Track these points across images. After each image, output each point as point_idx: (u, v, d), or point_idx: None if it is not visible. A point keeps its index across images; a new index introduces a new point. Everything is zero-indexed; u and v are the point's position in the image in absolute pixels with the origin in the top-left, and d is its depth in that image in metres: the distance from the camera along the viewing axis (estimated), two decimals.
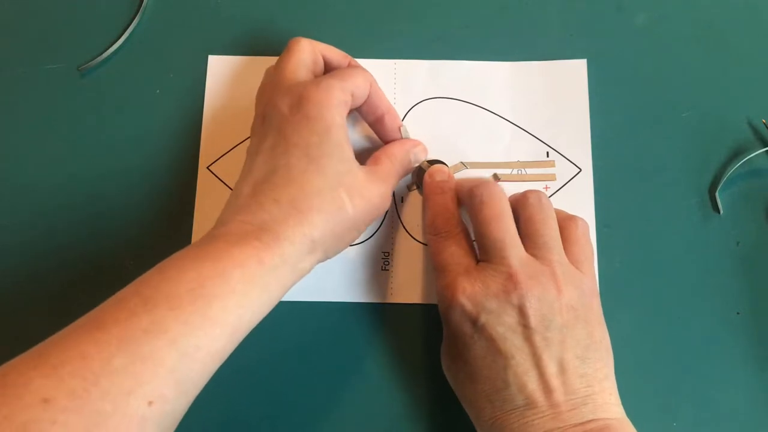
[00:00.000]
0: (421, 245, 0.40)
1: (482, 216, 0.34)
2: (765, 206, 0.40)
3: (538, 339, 0.31)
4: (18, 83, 0.43)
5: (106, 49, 0.43)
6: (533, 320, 0.31)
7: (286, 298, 0.38)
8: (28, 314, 0.38)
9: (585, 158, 0.41)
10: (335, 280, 0.39)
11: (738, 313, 0.38)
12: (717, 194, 0.40)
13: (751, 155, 0.40)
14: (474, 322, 0.32)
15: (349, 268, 0.40)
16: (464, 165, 0.41)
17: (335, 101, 0.33)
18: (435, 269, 0.35)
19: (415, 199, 0.41)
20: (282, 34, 0.43)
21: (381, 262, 0.40)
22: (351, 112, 0.40)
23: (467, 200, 0.35)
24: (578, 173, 0.41)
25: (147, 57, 0.43)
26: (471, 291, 0.32)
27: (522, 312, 0.31)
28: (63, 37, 0.44)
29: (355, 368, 0.38)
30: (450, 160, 0.41)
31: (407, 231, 0.40)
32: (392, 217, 0.40)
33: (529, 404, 0.31)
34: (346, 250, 0.40)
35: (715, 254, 0.39)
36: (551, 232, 0.34)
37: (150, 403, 0.26)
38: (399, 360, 0.38)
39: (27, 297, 0.39)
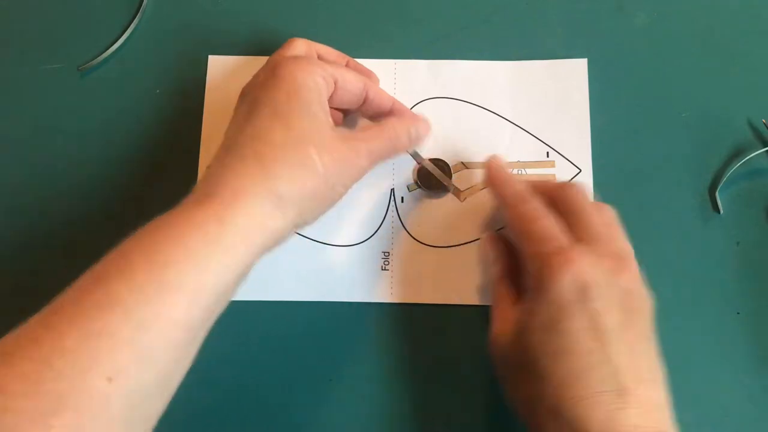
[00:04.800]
0: (421, 245, 0.40)
1: (584, 202, 0.34)
2: (765, 206, 0.40)
3: (636, 329, 0.31)
4: (18, 83, 0.43)
5: (106, 49, 0.43)
6: (636, 309, 0.31)
7: (285, 298, 0.39)
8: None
9: (585, 158, 0.41)
10: (335, 280, 0.39)
11: (738, 313, 0.38)
12: (717, 194, 0.40)
13: (751, 155, 0.40)
14: (583, 292, 0.30)
15: (349, 268, 0.40)
16: (464, 165, 0.41)
17: (309, 69, 0.33)
18: (526, 237, 0.33)
19: (415, 199, 0.41)
20: (282, 34, 0.43)
21: (381, 262, 0.40)
22: (350, 112, 0.40)
23: (558, 191, 0.34)
24: (578, 173, 0.41)
25: (147, 57, 0.43)
26: (585, 262, 0.31)
27: (629, 295, 0.31)
28: (63, 37, 0.44)
29: (355, 368, 0.38)
30: (450, 160, 0.41)
31: (407, 231, 0.40)
32: (392, 217, 0.40)
33: (621, 391, 0.29)
34: (346, 250, 0.40)
35: (715, 254, 0.39)
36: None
37: (109, 379, 0.24)
38: (399, 360, 0.38)
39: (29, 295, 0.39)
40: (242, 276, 0.30)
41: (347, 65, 0.38)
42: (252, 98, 0.33)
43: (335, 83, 0.34)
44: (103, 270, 0.27)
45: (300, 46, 0.37)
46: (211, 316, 0.28)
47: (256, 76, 0.34)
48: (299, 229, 0.32)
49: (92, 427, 0.24)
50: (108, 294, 0.25)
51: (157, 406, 0.27)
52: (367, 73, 0.40)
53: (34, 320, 0.26)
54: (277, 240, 0.31)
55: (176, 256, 0.27)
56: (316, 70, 0.33)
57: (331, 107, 0.35)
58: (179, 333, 0.27)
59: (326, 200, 0.33)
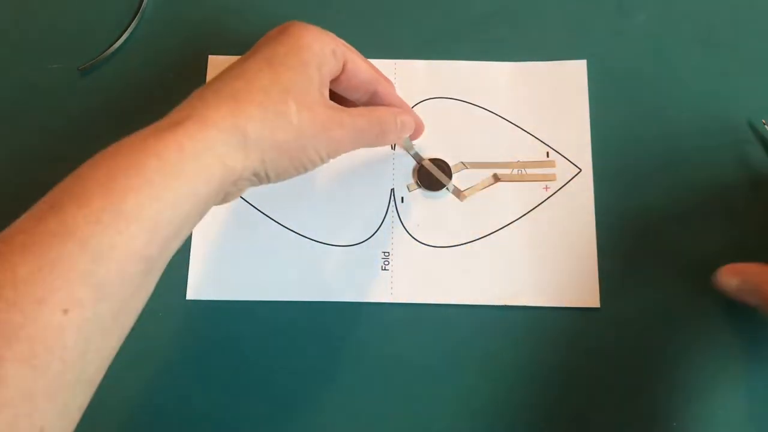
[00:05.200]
0: (421, 245, 0.40)
1: None
2: (765, 206, 0.40)
3: None
4: (18, 83, 0.43)
5: (106, 49, 0.43)
6: None
7: (285, 298, 0.39)
8: None
9: (585, 158, 0.41)
10: (335, 280, 0.39)
11: (738, 313, 0.38)
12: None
13: (751, 155, 0.40)
14: None
15: (349, 268, 0.39)
16: (464, 165, 0.41)
17: (321, 38, 0.32)
18: None
19: (415, 199, 0.41)
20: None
21: (381, 262, 0.40)
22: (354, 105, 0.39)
23: None
24: (578, 173, 0.41)
25: (147, 57, 0.43)
26: None
27: None
28: (63, 37, 0.44)
29: (355, 368, 0.38)
30: (450, 160, 0.41)
31: (407, 231, 0.40)
32: (392, 217, 0.40)
33: None
34: (346, 250, 0.40)
35: (715, 255, 0.39)
36: None
37: (65, 310, 0.23)
38: (399, 360, 0.38)
39: None
40: (200, 213, 0.28)
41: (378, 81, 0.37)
42: (254, 49, 0.32)
43: (344, 65, 0.34)
44: (57, 197, 0.26)
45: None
46: (167, 249, 0.27)
47: (268, 32, 0.33)
48: (260, 182, 0.31)
49: (46, 359, 0.23)
50: (63, 223, 0.24)
51: (111, 341, 0.26)
52: (387, 80, 0.39)
53: None
54: (235, 182, 0.29)
55: (133, 184, 0.26)
56: (328, 41, 0.32)
57: (337, 92, 0.34)
58: (136, 265, 0.26)
59: (294, 160, 0.31)
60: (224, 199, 0.31)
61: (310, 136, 0.30)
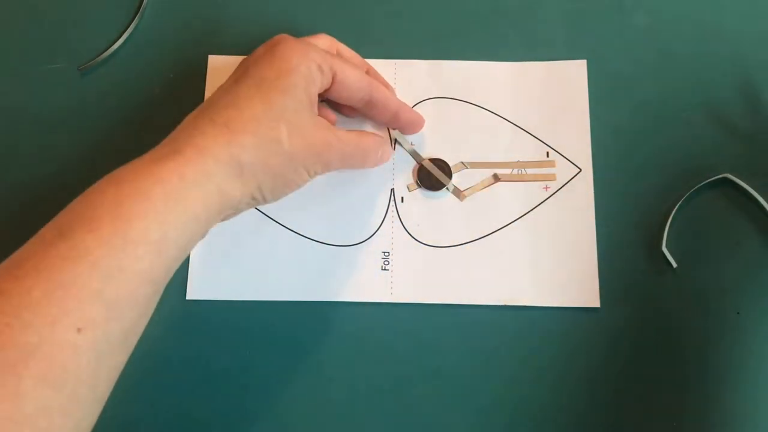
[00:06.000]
0: (421, 245, 0.40)
1: None
2: (765, 205, 0.40)
3: None
4: (18, 83, 0.43)
5: (106, 49, 0.43)
6: None
7: (285, 298, 0.39)
8: None
9: (585, 158, 0.41)
10: (335, 280, 0.39)
11: (738, 313, 0.38)
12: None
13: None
14: None
15: (349, 268, 0.39)
16: (464, 165, 0.41)
17: (309, 56, 0.33)
18: None
19: (415, 199, 0.41)
20: (282, 33, 0.43)
21: (381, 262, 0.40)
22: (355, 112, 0.39)
23: None
24: (578, 173, 0.41)
25: (147, 57, 0.43)
26: None
27: None
28: (63, 37, 0.44)
29: (355, 368, 0.38)
30: (450, 160, 0.41)
31: (407, 231, 0.40)
32: (392, 217, 0.40)
33: None
34: (346, 250, 0.40)
35: (716, 252, 0.39)
36: None
37: (79, 329, 0.25)
38: (399, 360, 0.38)
39: None
40: (201, 234, 0.30)
41: (367, 72, 0.38)
42: (243, 69, 0.33)
43: (334, 76, 0.34)
44: (66, 222, 0.27)
45: (323, 40, 0.37)
46: (171, 269, 0.29)
47: (256, 50, 0.34)
48: (258, 204, 0.33)
49: (62, 377, 0.24)
50: (74, 247, 0.26)
51: (120, 358, 0.28)
52: (385, 84, 0.40)
53: None
54: (234, 207, 0.31)
55: (140, 209, 0.27)
56: (314, 57, 0.33)
57: (330, 100, 0.35)
58: (143, 286, 0.27)
59: (288, 182, 0.33)
60: (224, 218, 0.32)
61: (302, 159, 0.32)
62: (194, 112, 0.32)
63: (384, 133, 0.41)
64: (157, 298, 0.29)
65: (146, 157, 0.30)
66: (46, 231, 0.27)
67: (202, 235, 0.30)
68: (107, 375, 0.27)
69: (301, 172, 0.33)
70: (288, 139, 0.31)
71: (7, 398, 0.23)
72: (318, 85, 0.33)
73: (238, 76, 0.33)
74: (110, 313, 0.26)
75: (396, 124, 0.40)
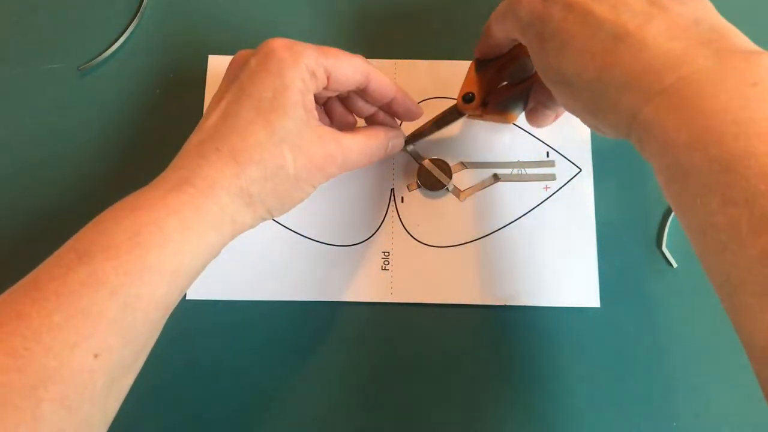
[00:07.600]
0: (421, 245, 0.40)
1: None
2: None
3: None
4: (18, 83, 0.43)
5: (106, 49, 0.43)
6: None
7: (285, 298, 0.39)
8: None
9: (585, 158, 0.41)
10: (335, 280, 0.39)
11: None
12: None
13: None
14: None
15: (349, 268, 0.40)
16: (464, 165, 0.41)
17: (302, 66, 0.32)
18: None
19: (415, 199, 0.41)
20: (282, 34, 0.43)
21: (381, 262, 0.40)
22: (353, 98, 0.39)
23: None
24: (578, 173, 0.41)
25: (147, 57, 0.43)
26: None
27: None
28: (63, 37, 0.44)
29: (355, 368, 0.38)
30: (450, 160, 0.41)
31: (407, 231, 0.40)
32: (392, 217, 0.40)
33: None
34: (346, 250, 0.40)
35: None
36: None
37: (96, 355, 0.26)
38: (399, 360, 0.38)
39: None
40: (213, 257, 0.31)
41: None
42: (239, 86, 0.33)
43: (329, 77, 0.34)
44: (84, 247, 0.27)
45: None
46: (182, 293, 0.30)
47: (245, 57, 0.34)
48: (265, 221, 0.34)
49: (78, 401, 0.25)
50: (93, 273, 0.26)
51: (130, 379, 0.29)
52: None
53: (13, 294, 0.27)
54: (245, 230, 0.33)
55: (157, 240, 0.28)
56: (307, 64, 0.33)
57: (329, 93, 0.35)
58: (157, 312, 0.28)
59: (294, 199, 0.34)
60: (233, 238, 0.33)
61: (306, 178, 0.33)
62: (197, 136, 0.32)
63: (395, 121, 0.39)
64: (164, 322, 0.30)
65: (157, 184, 0.30)
66: (64, 253, 0.28)
67: (214, 258, 0.31)
68: (117, 396, 0.28)
69: (306, 188, 0.33)
70: (293, 162, 0.32)
71: (24, 421, 0.24)
72: (314, 91, 0.33)
73: (235, 92, 0.33)
74: (125, 339, 0.27)
75: (391, 110, 0.38)
